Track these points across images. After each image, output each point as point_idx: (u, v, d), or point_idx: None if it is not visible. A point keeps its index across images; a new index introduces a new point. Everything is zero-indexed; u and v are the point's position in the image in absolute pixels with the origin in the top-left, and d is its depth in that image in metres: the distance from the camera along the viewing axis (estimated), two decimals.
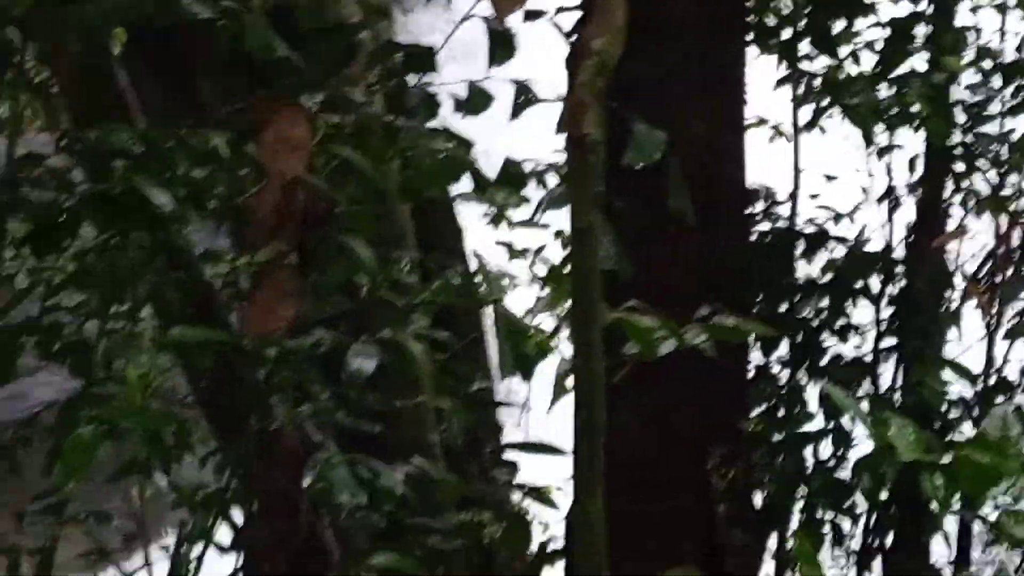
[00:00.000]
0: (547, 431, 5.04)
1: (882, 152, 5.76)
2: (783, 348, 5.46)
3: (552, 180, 4.73)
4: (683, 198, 4.53)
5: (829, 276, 5.58)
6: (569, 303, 3.87)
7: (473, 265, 4.44)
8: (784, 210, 5.83)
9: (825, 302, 5.55)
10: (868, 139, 5.33)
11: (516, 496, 5.02)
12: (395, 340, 3.89)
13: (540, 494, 4.96)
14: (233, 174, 3.89)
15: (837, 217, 5.78)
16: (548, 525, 5.11)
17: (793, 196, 5.90)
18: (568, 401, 3.86)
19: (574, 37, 4.42)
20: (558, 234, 4.49)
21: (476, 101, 4.26)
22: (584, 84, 3.01)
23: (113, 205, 3.92)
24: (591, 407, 3.09)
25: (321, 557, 4.77)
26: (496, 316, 3.87)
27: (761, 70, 5.52)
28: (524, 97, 4.31)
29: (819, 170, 6.06)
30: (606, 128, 3.00)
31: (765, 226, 5.67)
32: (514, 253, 4.02)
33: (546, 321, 3.91)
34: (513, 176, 4.40)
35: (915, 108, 5.26)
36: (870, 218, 5.85)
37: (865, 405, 5.25)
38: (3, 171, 4.63)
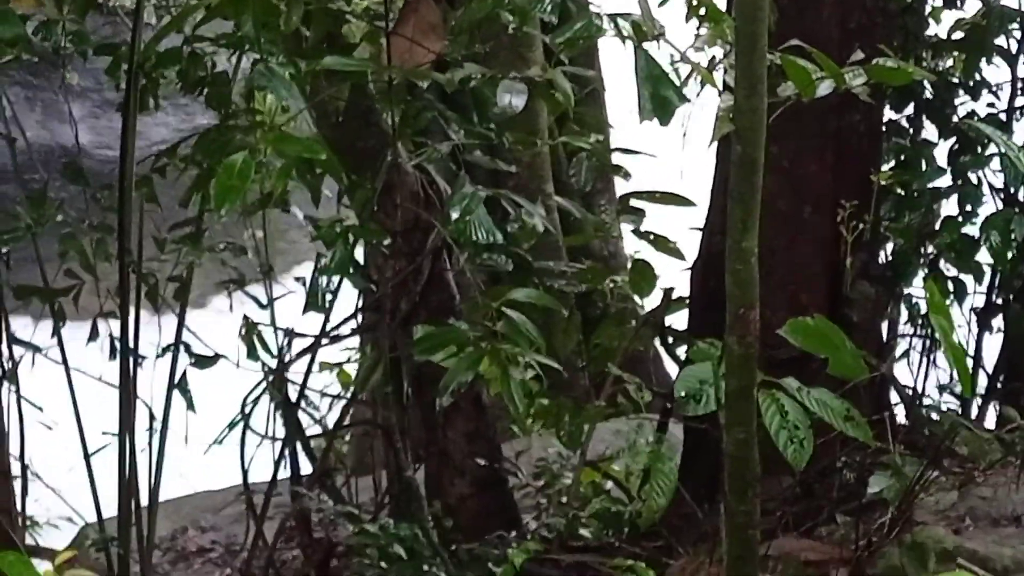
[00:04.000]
0: None
1: None
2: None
3: None
4: None
5: (960, 34, 5.48)
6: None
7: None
8: None
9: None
10: None
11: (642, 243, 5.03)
12: (543, 78, 3.87)
13: (665, 243, 4.97)
14: None
15: None
16: None
17: None
18: None
19: None
20: None
21: None
22: None
23: None
24: (752, 143, 3.07)
25: (444, 297, 4.85)
26: (636, 58, 3.82)
27: None
28: None
29: None
30: None
31: None
32: None
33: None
34: None
35: None
36: None
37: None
38: None
